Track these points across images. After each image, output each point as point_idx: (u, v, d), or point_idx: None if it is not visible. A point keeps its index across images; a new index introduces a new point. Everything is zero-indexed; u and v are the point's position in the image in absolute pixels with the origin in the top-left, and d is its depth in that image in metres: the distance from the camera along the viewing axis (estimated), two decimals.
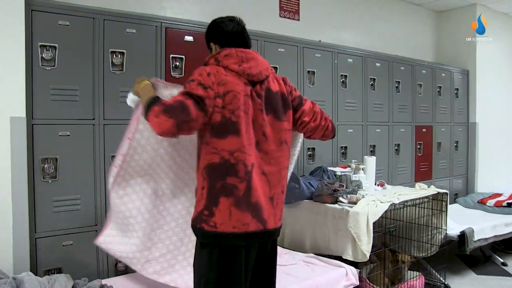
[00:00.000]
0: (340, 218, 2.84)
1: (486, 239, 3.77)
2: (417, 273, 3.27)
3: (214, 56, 1.71)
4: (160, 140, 1.92)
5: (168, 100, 1.58)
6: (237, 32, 1.77)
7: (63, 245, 2.44)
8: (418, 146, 4.54)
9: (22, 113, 2.25)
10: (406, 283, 3.14)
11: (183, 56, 2.83)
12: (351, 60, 3.87)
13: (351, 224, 2.76)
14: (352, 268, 2.68)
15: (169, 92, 1.85)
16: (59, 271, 2.42)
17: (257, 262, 1.76)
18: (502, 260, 4.10)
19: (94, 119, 2.52)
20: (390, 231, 3.07)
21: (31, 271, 2.25)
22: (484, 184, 5.19)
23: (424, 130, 4.59)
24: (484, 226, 3.77)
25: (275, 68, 3.28)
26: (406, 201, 3.08)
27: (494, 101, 5.35)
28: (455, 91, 4.97)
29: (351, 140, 3.87)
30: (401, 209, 3.11)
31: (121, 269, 2.64)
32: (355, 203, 2.87)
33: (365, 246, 2.71)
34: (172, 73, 2.79)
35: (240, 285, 1.67)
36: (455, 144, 4.99)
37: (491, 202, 4.49)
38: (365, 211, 2.77)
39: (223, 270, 1.65)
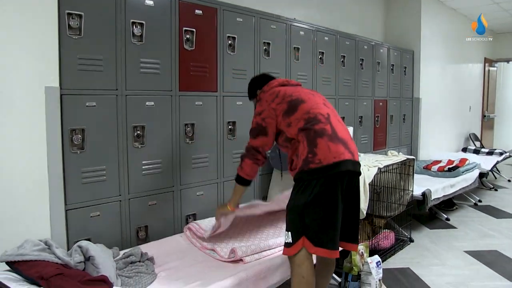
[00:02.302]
0: None
1: (438, 198, 4.37)
2: (389, 230, 3.74)
3: (262, 90, 2.35)
4: None
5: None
6: (264, 76, 2.49)
7: (91, 216, 2.45)
8: (376, 119, 5.03)
9: (56, 83, 2.20)
10: (381, 233, 3.59)
11: (194, 29, 2.88)
12: (327, 38, 4.15)
13: None
14: None
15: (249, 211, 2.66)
16: None
17: (347, 194, 2.08)
18: (445, 216, 4.77)
19: (117, 89, 2.51)
20: (377, 193, 3.46)
21: None
22: (424, 152, 5.89)
23: (381, 104, 5.08)
24: (437, 188, 4.36)
25: (269, 43, 3.48)
26: (388, 166, 3.49)
27: (433, 79, 6.03)
28: (404, 69, 5.53)
29: None
30: (380, 174, 3.51)
31: (142, 237, 2.71)
32: None
33: (363, 204, 3.07)
34: (184, 46, 2.84)
35: (337, 207, 2.01)
36: (403, 117, 5.59)
37: (435, 168, 5.16)
38: (362, 174, 3.10)
39: (326, 195, 1.99)
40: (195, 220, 2.99)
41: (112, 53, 2.47)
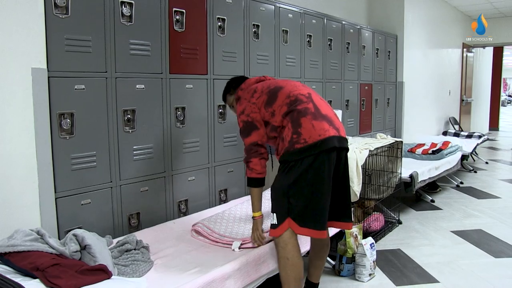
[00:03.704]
0: None
1: (424, 180, 4.43)
2: (378, 213, 3.77)
3: (241, 88, 2.33)
4: None
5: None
6: (242, 77, 2.49)
7: (82, 204, 2.35)
8: (362, 102, 5.03)
9: (43, 65, 2.08)
10: (372, 216, 3.62)
11: (184, 10, 2.78)
12: (314, 22, 4.10)
13: None
14: None
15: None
16: None
17: (335, 171, 2.04)
18: (430, 198, 4.85)
19: (106, 72, 2.40)
20: (368, 175, 3.47)
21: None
22: (407, 136, 5.95)
23: (366, 87, 5.08)
24: (423, 170, 4.41)
25: (257, 25, 3.41)
26: (378, 148, 3.50)
27: (415, 63, 6.07)
28: (388, 54, 5.54)
29: None
30: (370, 157, 3.52)
31: (134, 225, 2.64)
32: None
33: (356, 186, 3.06)
34: (174, 27, 2.74)
35: (323, 186, 1.97)
36: (387, 101, 5.62)
37: (419, 151, 5.22)
38: (354, 156, 3.10)
39: (312, 174, 1.95)
40: (186, 205, 2.93)
41: (101, 33, 2.36)
